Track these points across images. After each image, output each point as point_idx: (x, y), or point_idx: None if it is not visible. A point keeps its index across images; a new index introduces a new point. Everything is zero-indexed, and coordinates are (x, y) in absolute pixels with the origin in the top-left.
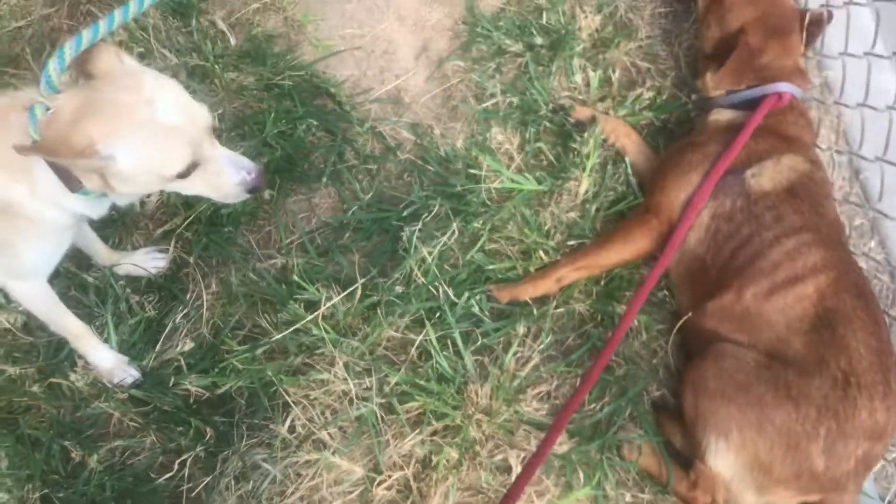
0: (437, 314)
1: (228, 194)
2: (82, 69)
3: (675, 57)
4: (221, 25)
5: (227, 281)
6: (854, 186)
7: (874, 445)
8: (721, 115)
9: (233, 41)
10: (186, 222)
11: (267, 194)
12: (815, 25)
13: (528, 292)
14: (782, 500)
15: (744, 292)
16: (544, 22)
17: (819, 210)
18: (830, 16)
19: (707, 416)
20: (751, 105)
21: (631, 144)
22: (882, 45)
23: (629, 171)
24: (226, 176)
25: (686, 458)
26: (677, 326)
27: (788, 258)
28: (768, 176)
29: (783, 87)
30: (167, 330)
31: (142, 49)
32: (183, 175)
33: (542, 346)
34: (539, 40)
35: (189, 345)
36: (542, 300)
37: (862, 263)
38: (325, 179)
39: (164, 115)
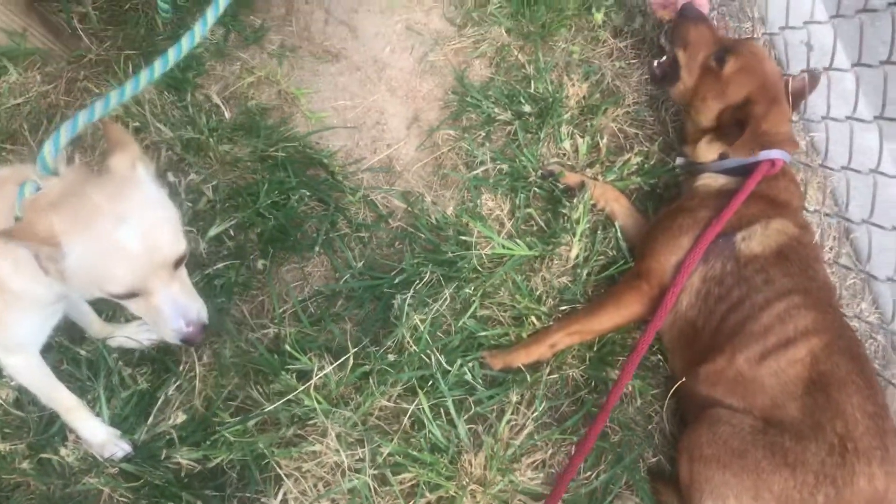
0: (430, 382)
1: (160, 332)
2: (106, 151)
3: (662, 122)
4: (216, 99)
5: (219, 352)
6: (844, 247)
7: None
8: (712, 181)
9: (227, 114)
10: None
11: (260, 264)
12: (799, 92)
13: (521, 358)
14: None
15: (736, 356)
16: (532, 90)
17: (809, 273)
18: (815, 81)
19: (703, 483)
20: (742, 171)
21: (620, 209)
22: (864, 107)
23: (619, 235)
24: (163, 318)
25: None
26: (671, 391)
27: (779, 321)
28: (758, 240)
29: (775, 154)
30: (159, 402)
31: (137, 123)
32: (121, 297)
33: (535, 414)
34: (527, 108)
35: (181, 417)
36: (536, 366)
37: (854, 325)
38: (317, 248)
39: (126, 236)
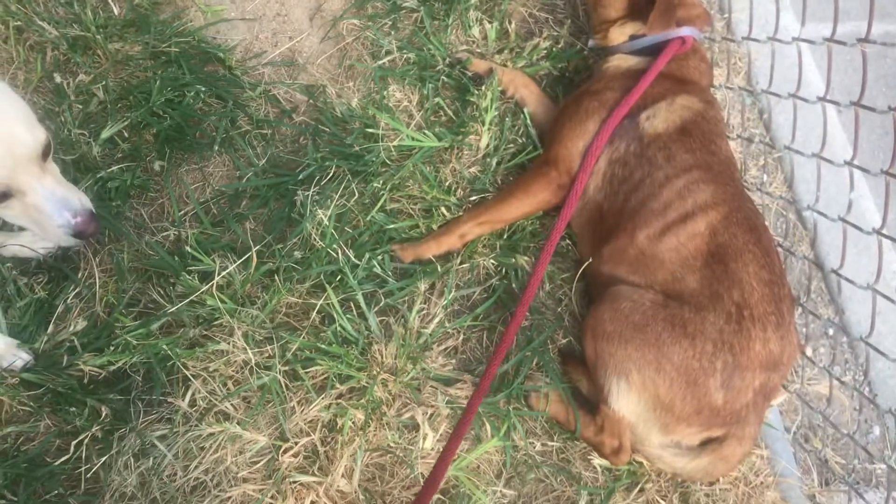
0: (339, 277)
1: (49, 235)
2: None
3: (573, 5)
4: None
5: (118, 257)
6: (759, 128)
7: (770, 376)
8: (622, 62)
9: (116, 10)
10: None
11: (157, 165)
12: None
13: (431, 250)
14: (687, 437)
15: (637, 234)
16: None
17: (711, 147)
18: None
19: (607, 359)
20: (652, 51)
21: (529, 95)
22: None
23: (528, 122)
24: (45, 215)
25: (593, 403)
26: (579, 273)
27: (679, 197)
28: (662, 117)
29: (686, 31)
30: (59, 311)
31: (18, 22)
32: None
33: (446, 302)
34: None
35: (82, 324)
36: (447, 257)
37: (767, 202)
38: (216, 147)
39: None
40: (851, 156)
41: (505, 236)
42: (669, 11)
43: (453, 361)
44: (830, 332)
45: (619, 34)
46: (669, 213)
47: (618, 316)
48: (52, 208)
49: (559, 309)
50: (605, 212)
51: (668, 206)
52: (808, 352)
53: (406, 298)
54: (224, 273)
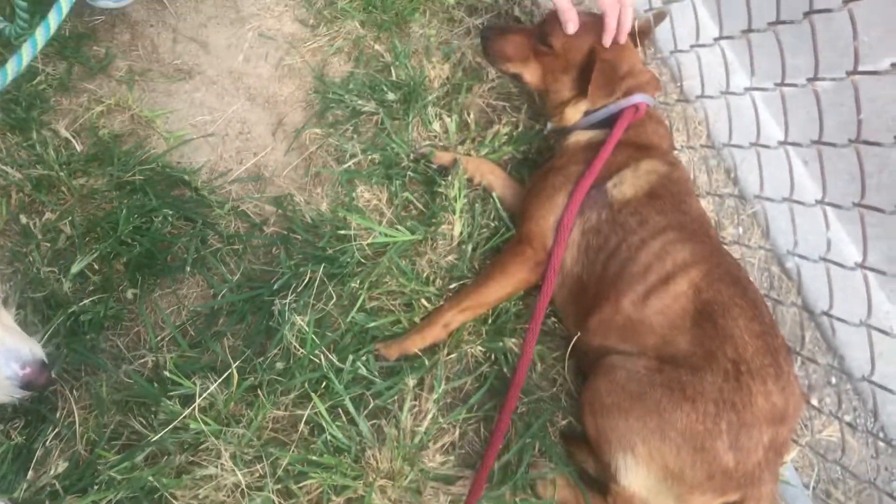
0: (324, 384)
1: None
2: None
3: (527, 92)
4: (64, 133)
5: (96, 391)
6: (728, 186)
7: (779, 430)
8: (581, 137)
9: (78, 147)
10: (45, 338)
11: (130, 294)
12: (645, 30)
13: (416, 344)
14: None
15: (621, 300)
16: (394, 78)
17: (682, 207)
18: (660, 18)
19: (609, 434)
20: (609, 122)
21: (496, 180)
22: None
23: (498, 205)
24: None
25: (602, 483)
26: (569, 349)
27: (657, 258)
28: (629, 183)
29: (638, 98)
30: (38, 454)
31: None
32: None
33: (437, 397)
34: (391, 96)
35: (63, 466)
36: (433, 349)
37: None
38: (188, 268)
39: None
40: (822, 195)
41: (490, 321)
42: (608, 82)
43: (452, 458)
44: (833, 380)
45: (574, 113)
46: (650, 276)
47: (614, 388)
48: None
49: (554, 389)
50: (585, 283)
51: (648, 268)
52: (814, 402)
53: (396, 397)
54: (205, 394)
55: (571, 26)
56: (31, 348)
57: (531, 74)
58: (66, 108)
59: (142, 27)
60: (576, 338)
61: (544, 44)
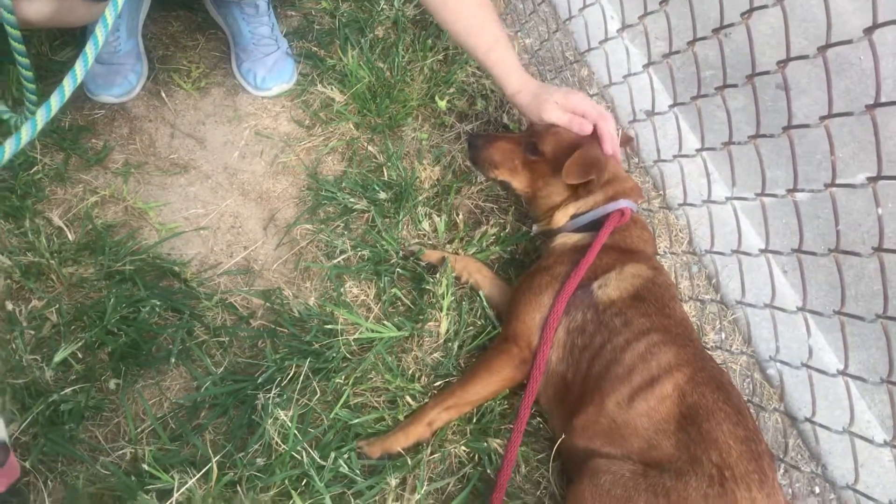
0: (304, 482)
1: None
2: None
3: (514, 196)
4: (58, 222)
5: (71, 483)
6: (710, 292)
7: None
8: (567, 239)
9: (71, 236)
10: (21, 427)
11: (112, 384)
12: (625, 142)
13: (399, 442)
14: None
15: (605, 402)
16: (386, 178)
17: (665, 311)
18: (628, 140)
19: None
20: (594, 226)
21: (483, 279)
22: (691, 141)
23: (485, 304)
24: None
25: None
26: (554, 451)
27: (642, 360)
28: (613, 285)
29: (623, 203)
30: None
31: None
32: None
33: (419, 497)
34: (382, 195)
35: None
36: (417, 448)
37: (733, 363)
38: (173, 360)
39: None
40: (802, 303)
41: (474, 420)
42: (584, 163)
43: None
44: (817, 489)
45: (562, 216)
46: (635, 378)
47: (599, 492)
48: None
49: (538, 493)
50: (569, 382)
51: (633, 370)
52: None
53: (377, 497)
54: (184, 489)
55: (586, 128)
56: None
57: (519, 181)
58: (61, 197)
59: (141, 122)
60: (560, 440)
61: (533, 150)
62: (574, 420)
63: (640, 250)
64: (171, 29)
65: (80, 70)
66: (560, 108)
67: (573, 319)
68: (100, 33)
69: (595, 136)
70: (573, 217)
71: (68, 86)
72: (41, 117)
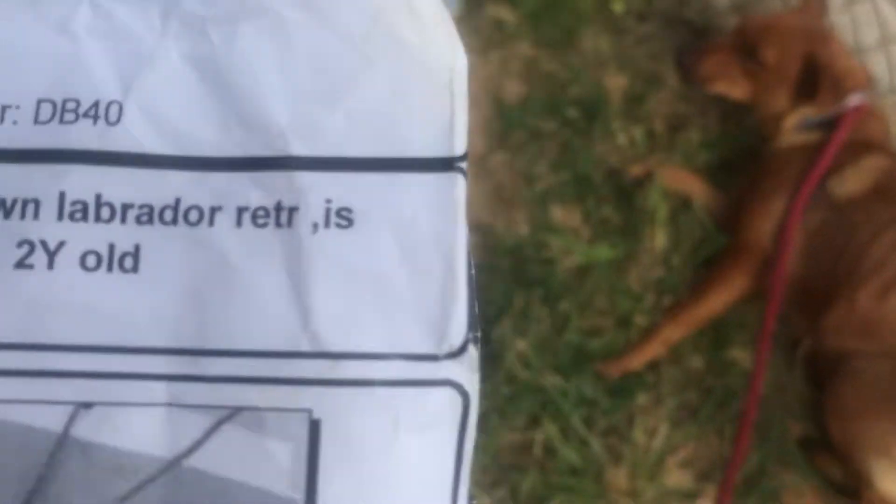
0: (548, 406)
1: None
2: None
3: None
4: None
5: None
6: None
7: None
8: (795, 139)
9: None
10: None
11: None
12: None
13: (636, 361)
14: None
15: (856, 298)
16: (572, 95)
17: None
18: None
19: (860, 439)
20: (824, 124)
21: (695, 188)
22: None
23: (701, 215)
24: None
25: (850, 490)
26: (799, 354)
27: (893, 250)
28: (851, 180)
29: (856, 99)
30: None
31: None
32: None
33: (666, 411)
34: (572, 113)
35: None
36: (654, 365)
37: None
38: None
39: None
40: None
41: (710, 333)
42: (835, 87)
43: (690, 472)
44: None
45: (790, 121)
46: (886, 270)
47: (861, 391)
48: None
49: (785, 398)
50: (811, 286)
51: (883, 262)
52: None
53: (622, 416)
54: None
55: None
56: None
57: (740, 92)
58: None
59: None
60: (808, 342)
61: (752, 58)
62: (822, 321)
63: (874, 141)
64: None
65: None
66: None
67: (810, 221)
68: None
69: (820, 26)
70: (803, 121)
71: None
72: None
